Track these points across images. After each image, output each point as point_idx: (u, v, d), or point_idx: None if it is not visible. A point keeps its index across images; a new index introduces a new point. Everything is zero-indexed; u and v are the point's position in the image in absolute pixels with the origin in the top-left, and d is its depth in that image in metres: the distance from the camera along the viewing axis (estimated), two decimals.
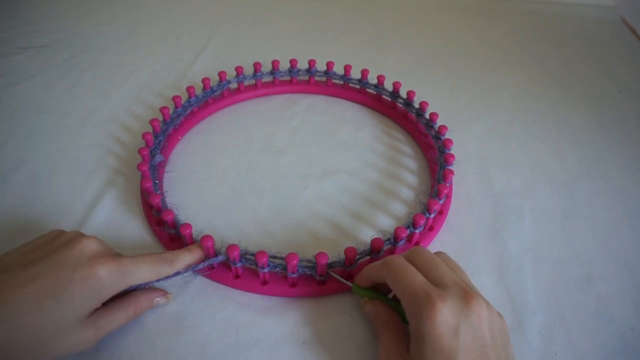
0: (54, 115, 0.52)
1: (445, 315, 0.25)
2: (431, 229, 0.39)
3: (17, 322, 0.25)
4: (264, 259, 0.32)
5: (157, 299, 0.32)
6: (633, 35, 0.73)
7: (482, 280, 0.36)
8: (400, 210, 0.42)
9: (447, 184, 0.40)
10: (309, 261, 0.33)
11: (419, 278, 0.28)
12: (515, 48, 0.69)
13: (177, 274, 0.32)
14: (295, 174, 0.45)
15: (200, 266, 0.33)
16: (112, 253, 0.30)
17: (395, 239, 0.35)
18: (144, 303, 0.31)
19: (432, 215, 0.37)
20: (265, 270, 0.33)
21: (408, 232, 0.35)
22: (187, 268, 0.33)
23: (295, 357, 0.31)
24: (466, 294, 0.26)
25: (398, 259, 0.30)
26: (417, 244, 0.38)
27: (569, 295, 0.36)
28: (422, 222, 0.36)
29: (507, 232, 0.40)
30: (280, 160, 0.47)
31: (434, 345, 0.25)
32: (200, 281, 0.35)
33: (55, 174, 0.44)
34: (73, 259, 0.27)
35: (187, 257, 0.33)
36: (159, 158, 0.42)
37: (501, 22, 0.76)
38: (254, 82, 0.55)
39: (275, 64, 0.53)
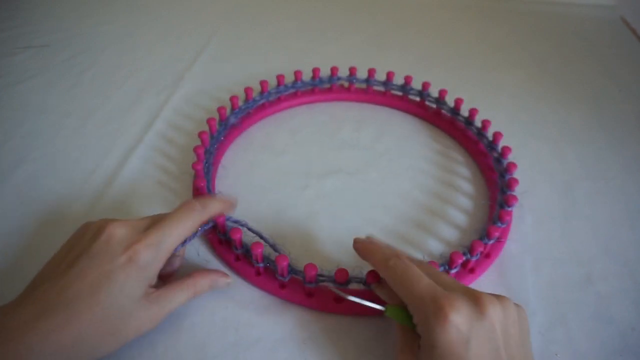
0: (54, 115, 0.52)
1: (455, 322, 0.24)
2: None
3: (80, 319, 0.26)
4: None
5: (218, 279, 0.33)
6: (633, 35, 0.73)
7: (481, 280, 0.36)
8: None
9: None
10: (328, 274, 0.33)
11: (425, 281, 0.27)
12: (515, 48, 0.69)
13: (192, 237, 0.32)
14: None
15: (207, 226, 0.33)
16: (139, 228, 0.30)
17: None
18: (203, 284, 0.32)
19: None
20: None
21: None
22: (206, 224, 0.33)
23: (295, 357, 0.31)
24: (477, 297, 0.25)
25: (402, 260, 0.28)
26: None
27: (569, 295, 0.36)
28: None
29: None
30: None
31: (443, 353, 0.24)
32: None
33: (55, 174, 0.44)
34: (106, 250, 0.28)
35: (218, 204, 0.33)
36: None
37: (501, 22, 0.76)
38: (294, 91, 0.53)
39: (297, 74, 0.52)
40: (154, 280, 0.29)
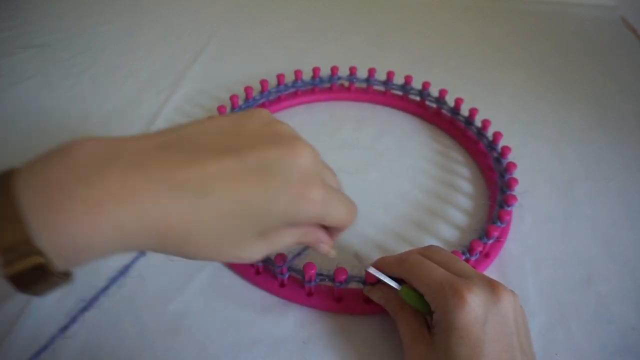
0: (54, 115, 0.52)
1: (472, 304, 0.25)
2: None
3: (215, 213, 0.21)
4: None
5: (323, 244, 0.28)
6: (633, 35, 0.73)
7: None
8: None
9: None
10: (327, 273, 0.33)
11: (440, 271, 0.28)
12: (515, 48, 0.69)
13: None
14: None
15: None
16: (323, 175, 0.25)
17: None
18: (311, 236, 0.27)
19: None
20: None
21: None
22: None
23: (295, 356, 0.31)
24: (492, 283, 0.27)
25: (414, 255, 0.30)
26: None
27: (569, 295, 0.36)
28: None
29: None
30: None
31: (461, 334, 0.25)
32: (200, 281, 0.35)
33: None
34: (287, 168, 0.22)
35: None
36: None
37: (501, 22, 0.76)
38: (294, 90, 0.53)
39: (298, 73, 0.52)
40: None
